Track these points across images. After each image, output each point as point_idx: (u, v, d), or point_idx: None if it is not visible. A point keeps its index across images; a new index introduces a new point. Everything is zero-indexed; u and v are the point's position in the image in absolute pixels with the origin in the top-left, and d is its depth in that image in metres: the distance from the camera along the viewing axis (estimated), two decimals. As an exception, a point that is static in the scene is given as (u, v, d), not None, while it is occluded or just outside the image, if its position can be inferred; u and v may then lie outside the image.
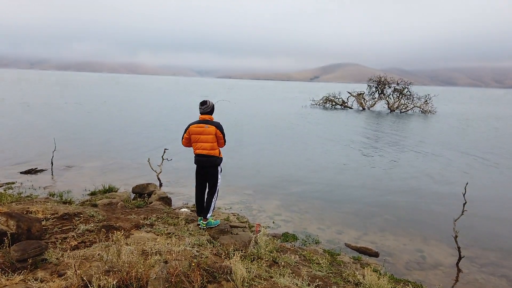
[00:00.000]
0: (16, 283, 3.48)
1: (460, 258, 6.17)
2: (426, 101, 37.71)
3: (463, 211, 6.15)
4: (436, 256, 6.63)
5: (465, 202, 6.14)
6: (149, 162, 10.28)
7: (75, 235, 5.14)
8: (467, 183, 6.46)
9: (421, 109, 37.61)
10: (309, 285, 4.38)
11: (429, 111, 36.83)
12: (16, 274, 3.67)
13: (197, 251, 4.89)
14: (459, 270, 6.10)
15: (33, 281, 3.56)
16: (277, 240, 6.32)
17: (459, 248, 6.03)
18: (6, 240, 4.13)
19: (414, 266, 6.21)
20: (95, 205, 6.95)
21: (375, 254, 6.50)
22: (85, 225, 5.47)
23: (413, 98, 38.60)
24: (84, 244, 4.93)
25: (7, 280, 3.53)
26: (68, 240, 4.94)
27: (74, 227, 5.46)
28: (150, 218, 6.40)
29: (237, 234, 6.02)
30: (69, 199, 7.67)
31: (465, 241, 7.03)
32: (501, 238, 7.46)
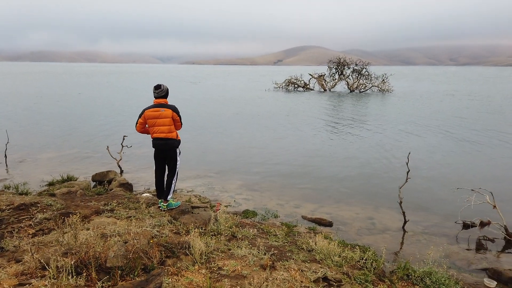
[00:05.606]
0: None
1: (405, 222, 6.72)
2: (383, 80, 39.07)
3: (407, 179, 6.68)
4: (385, 222, 7.17)
5: (409, 170, 6.66)
6: (108, 150, 10.18)
7: (32, 223, 5.14)
8: (409, 153, 6.99)
9: (379, 88, 38.95)
10: (265, 254, 4.67)
11: (387, 90, 38.23)
12: (-29, 263, 3.69)
13: (157, 231, 5.05)
14: (404, 233, 6.65)
15: (-11, 268, 3.60)
16: (237, 217, 6.58)
17: (403, 212, 6.56)
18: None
19: (364, 232, 6.70)
20: (53, 195, 6.89)
21: (329, 224, 6.93)
22: (43, 214, 5.46)
23: (371, 78, 39.84)
24: (42, 232, 4.96)
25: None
26: (25, 228, 4.95)
27: (31, 216, 5.44)
28: (110, 204, 6.44)
29: (198, 213, 6.21)
30: (25, 190, 7.53)
31: (411, 206, 7.61)
32: (443, 201, 8.13)
